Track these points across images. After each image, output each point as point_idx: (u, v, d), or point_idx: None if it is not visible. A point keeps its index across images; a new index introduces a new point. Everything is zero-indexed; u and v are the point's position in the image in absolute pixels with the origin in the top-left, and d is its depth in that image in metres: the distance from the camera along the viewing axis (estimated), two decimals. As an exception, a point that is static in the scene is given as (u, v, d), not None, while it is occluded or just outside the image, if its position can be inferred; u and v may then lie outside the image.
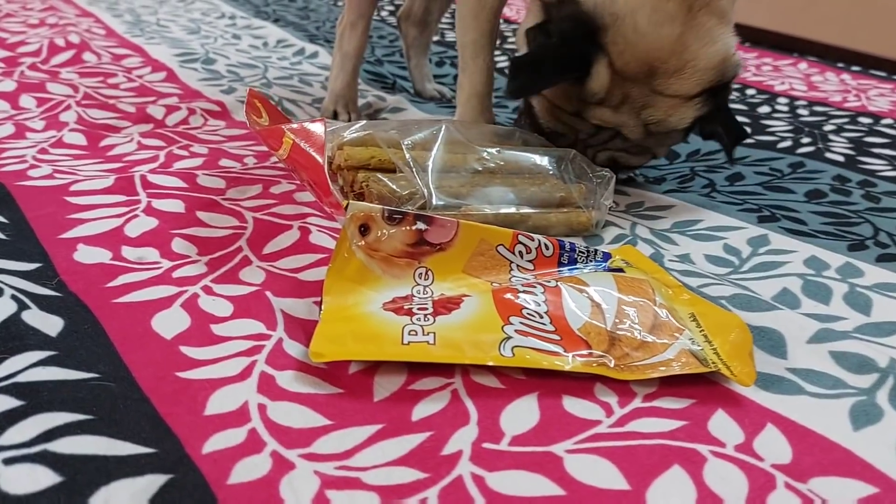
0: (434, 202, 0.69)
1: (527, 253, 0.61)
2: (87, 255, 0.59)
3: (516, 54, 0.80)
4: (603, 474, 0.41)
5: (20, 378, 0.44)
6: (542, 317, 0.53)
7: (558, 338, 0.51)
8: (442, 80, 1.28)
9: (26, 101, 0.95)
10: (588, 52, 0.73)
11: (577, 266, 0.62)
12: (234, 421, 0.43)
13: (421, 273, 0.58)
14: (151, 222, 0.65)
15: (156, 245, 0.62)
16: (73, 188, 0.71)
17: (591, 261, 0.62)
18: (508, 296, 0.54)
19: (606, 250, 0.63)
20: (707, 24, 0.74)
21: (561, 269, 0.61)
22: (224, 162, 0.82)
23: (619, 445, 0.44)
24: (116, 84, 1.06)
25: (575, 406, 0.47)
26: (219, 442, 0.41)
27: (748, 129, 0.87)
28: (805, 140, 1.13)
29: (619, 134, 0.78)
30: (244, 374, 0.47)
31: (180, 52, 1.23)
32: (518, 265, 0.60)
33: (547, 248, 0.61)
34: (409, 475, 0.40)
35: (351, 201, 0.59)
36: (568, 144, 0.81)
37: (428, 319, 0.52)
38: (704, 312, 0.57)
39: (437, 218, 0.59)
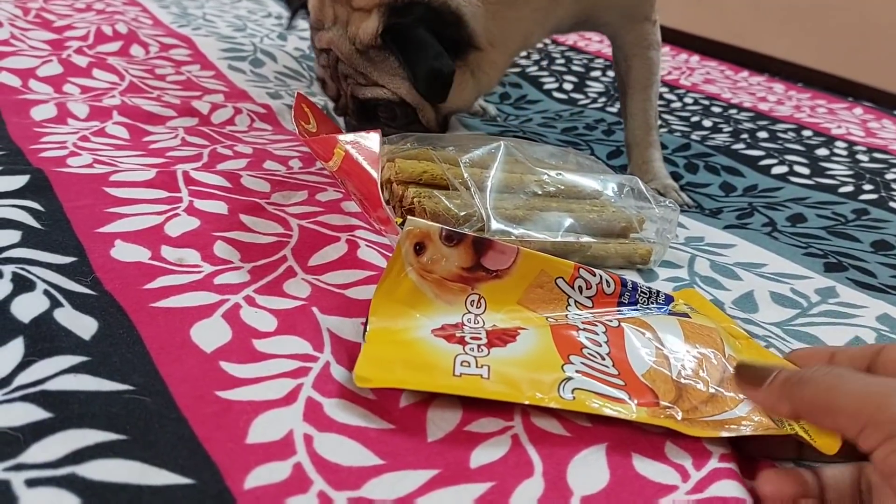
0: (493, 226, 0.65)
1: (587, 288, 0.56)
2: (125, 252, 0.56)
3: None
4: (685, 548, 0.37)
5: (49, 385, 0.40)
6: (604, 358, 0.48)
7: (623, 383, 0.47)
8: (487, 98, 1.25)
9: (70, 87, 0.93)
10: None
11: (638, 307, 0.57)
12: (278, 452, 0.39)
13: (473, 300, 0.53)
14: (193, 222, 0.62)
15: (197, 247, 0.58)
16: (112, 178, 0.67)
17: (652, 302, 0.57)
18: (568, 332, 0.50)
19: (668, 292, 0.59)
20: None
21: (621, 308, 0.57)
22: (269, 164, 0.79)
23: (700, 514, 0.39)
24: (163, 76, 1.03)
25: (647, 467, 0.43)
26: (262, 476, 0.37)
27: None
28: (867, 187, 1.08)
29: (338, 56, 0.81)
30: (289, 399, 0.43)
31: (228, 48, 1.21)
32: (576, 301, 0.56)
33: (608, 284, 0.56)
34: (470, 532, 0.36)
35: (410, 217, 0.55)
36: (335, 94, 0.86)
37: (482, 351, 0.48)
38: None
39: (497, 243, 0.55)
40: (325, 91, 0.88)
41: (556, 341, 0.49)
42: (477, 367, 0.46)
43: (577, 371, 0.46)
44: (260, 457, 0.38)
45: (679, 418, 0.45)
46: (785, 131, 1.31)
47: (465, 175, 0.68)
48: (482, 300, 0.53)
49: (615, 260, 0.69)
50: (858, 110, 1.54)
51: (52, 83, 0.93)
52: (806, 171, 1.12)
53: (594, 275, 0.56)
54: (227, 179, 0.72)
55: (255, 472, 0.37)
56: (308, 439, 0.40)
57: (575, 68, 1.54)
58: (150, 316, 0.49)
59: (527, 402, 0.44)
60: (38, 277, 0.50)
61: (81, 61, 1.01)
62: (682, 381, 0.47)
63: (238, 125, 0.92)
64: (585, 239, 0.68)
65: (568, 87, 1.45)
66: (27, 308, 0.46)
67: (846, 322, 0.65)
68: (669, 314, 0.56)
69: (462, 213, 0.65)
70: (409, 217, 0.56)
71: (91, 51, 1.07)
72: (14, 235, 0.54)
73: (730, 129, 1.29)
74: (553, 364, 0.47)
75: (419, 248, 0.53)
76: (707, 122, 1.32)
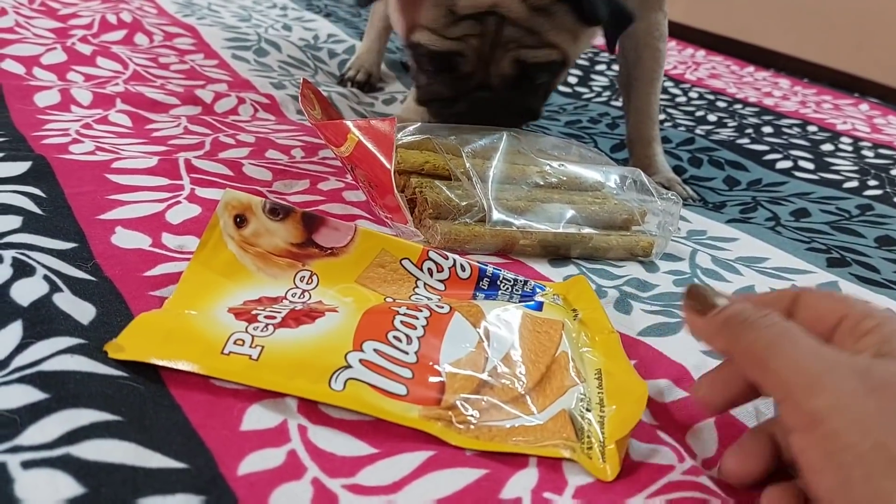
0: (494, 217, 0.65)
1: (438, 271, 0.55)
2: (126, 238, 0.56)
3: None
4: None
5: (46, 366, 0.40)
6: (410, 342, 0.46)
7: (410, 375, 0.44)
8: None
9: (74, 75, 0.93)
10: None
11: (498, 294, 0.56)
12: (272, 440, 0.39)
13: (304, 276, 0.52)
14: (194, 209, 0.62)
15: (198, 234, 0.58)
16: (114, 165, 0.68)
17: (517, 291, 0.56)
18: (383, 315, 0.48)
19: (545, 284, 0.58)
20: None
21: (477, 294, 0.55)
22: (271, 153, 0.79)
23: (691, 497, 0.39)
24: (167, 64, 1.03)
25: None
26: (255, 462, 0.37)
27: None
28: (872, 182, 1.08)
29: (505, 19, 0.73)
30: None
31: (232, 38, 1.21)
32: (426, 283, 0.55)
33: (463, 269, 0.56)
34: (463, 519, 0.36)
35: (227, 189, 0.54)
36: (471, 70, 0.76)
37: (267, 330, 0.45)
38: (612, 371, 0.48)
39: (330, 219, 0.54)
40: (460, 67, 0.77)
41: (362, 325, 0.47)
42: (251, 346, 0.43)
43: (361, 360, 0.44)
44: (254, 444, 0.38)
45: (454, 422, 0.42)
46: (790, 126, 1.31)
47: (468, 165, 0.68)
48: (314, 276, 0.52)
49: (617, 252, 0.69)
50: (864, 106, 1.53)
51: (55, 71, 0.93)
52: (811, 166, 1.12)
53: (447, 259, 0.56)
54: (229, 168, 0.72)
55: (249, 459, 0.37)
56: (302, 429, 0.40)
57: (580, 62, 1.53)
58: (148, 304, 0.49)
59: (288, 392, 0.42)
60: (38, 263, 0.50)
61: (85, 49, 1.01)
62: (496, 378, 0.45)
63: (241, 114, 0.92)
64: (587, 230, 0.68)
65: (572, 80, 1.45)
66: (26, 292, 0.46)
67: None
68: (529, 304, 0.54)
69: (464, 203, 0.65)
70: (227, 190, 0.54)
71: (95, 39, 1.07)
72: (15, 221, 0.54)
73: (734, 123, 1.29)
74: (339, 350, 0.44)
75: (240, 221, 0.53)
76: (712, 117, 1.31)
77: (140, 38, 1.11)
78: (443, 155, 0.69)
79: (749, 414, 0.47)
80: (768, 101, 1.45)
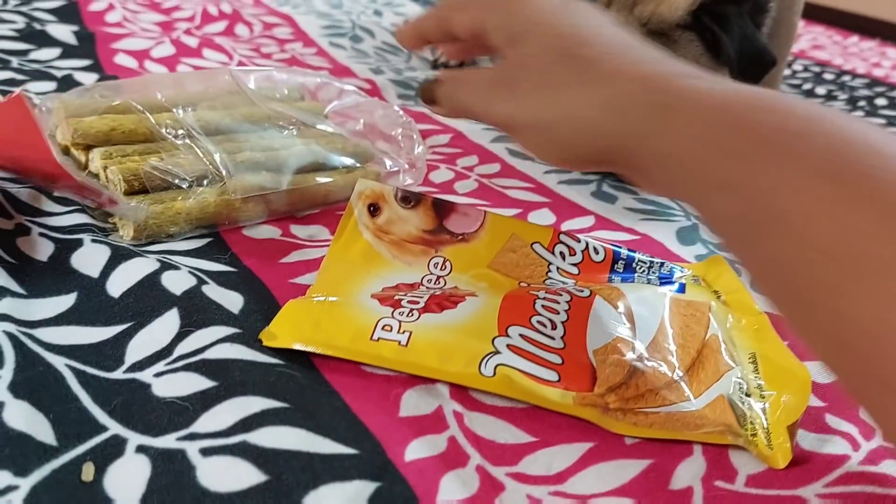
0: (234, 178, 0.55)
1: (570, 255, 0.53)
2: (258, 231, 0.56)
3: None
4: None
5: (209, 354, 0.41)
6: (555, 327, 0.45)
7: (559, 361, 0.43)
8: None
9: (183, 67, 0.95)
10: None
11: (635, 277, 0.53)
12: (431, 426, 0.39)
13: (437, 263, 0.51)
14: (317, 198, 0.62)
15: (324, 223, 0.59)
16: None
17: (654, 273, 0.54)
18: (524, 300, 0.47)
19: (685, 267, 0.55)
20: None
21: (613, 277, 0.53)
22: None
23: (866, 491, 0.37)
24: (269, 54, 1.04)
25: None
26: (420, 449, 0.37)
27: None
28: None
29: None
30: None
31: (327, 25, 1.21)
32: (559, 267, 0.53)
33: (597, 252, 0.53)
34: (638, 510, 0.35)
35: (361, 179, 0.53)
36: None
37: (412, 315, 0.45)
38: (768, 355, 0.46)
39: (459, 205, 0.53)
40: None
41: (504, 309, 0.46)
42: (399, 332, 0.43)
43: (508, 345, 0.43)
44: (415, 430, 0.38)
45: (610, 408, 0.41)
46: (905, 98, 1.24)
47: (181, 115, 0.58)
48: (447, 262, 0.52)
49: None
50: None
51: (166, 63, 0.95)
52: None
53: (578, 241, 0.54)
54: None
55: (413, 445, 0.37)
56: (458, 416, 0.40)
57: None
58: (290, 292, 0.49)
59: (439, 378, 0.42)
60: (181, 263, 0.50)
61: (192, 42, 1.03)
62: (642, 363, 0.43)
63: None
64: (322, 178, 0.60)
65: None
66: (177, 282, 0.47)
67: None
68: (670, 285, 0.52)
69: (176, 168, 0.54)
70: (360, 179, 0.53)
71: (199, 31, 1.09)
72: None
73: (845, 96, 1.23)
74: (486, 335, 0.44)
75: (374, 210, 0.53)
76: (820, 90, 1.25)
77: (241, 29, 1.13)
78: (140, 113, 0.57)
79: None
80: (878, 72, 1.38)
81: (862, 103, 1.19)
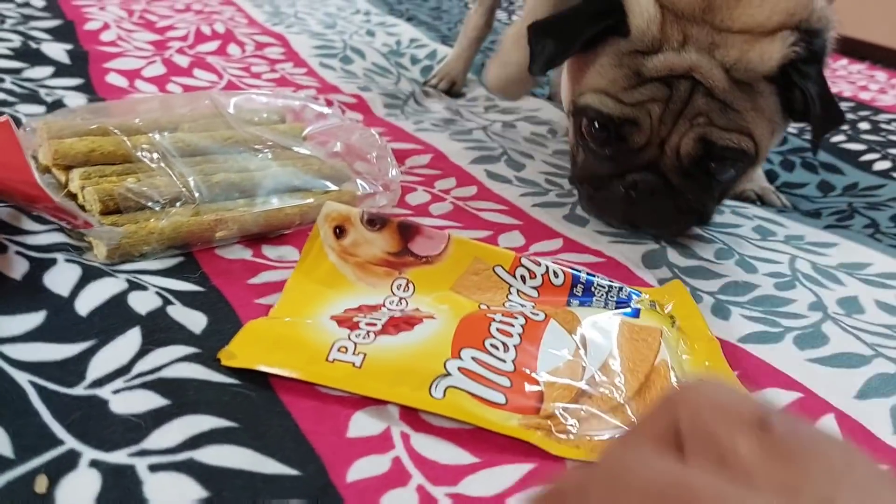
0: (207, 201, 0.57)
1: (530, 278, 0.55)
2: (229, 250, 0.58)
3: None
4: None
5: (166, 372, 0.43)
6: (507, 350, 0.46)
7: (508, 384, 0.44)
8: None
9: (172, 86, 0.97)
10: None
11: (593, 301, 0.55)
12: (377, 447, 0.40)
13: (401, 284, 0.53)
14: (291, 219, 0.64)
15: (294, 244, 0.60)
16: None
17: (612, 297, 0.55)
18: (479, 323, 0.48)
19: (640, 290, 0.57)
20: None
21: (571, 301, 0.55)
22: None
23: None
24: (259, 73, 1.06)
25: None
26: (363, 469, 0.38)
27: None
28: (981, 182, 1.02)
29: (697, 85, 0.61)
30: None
31: (319, 45, 1.24)
32: (519, 290, 0.55)
33: (556, 275, 0.55)
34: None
35: (328, 201, 0.55)
36: (643, 143, 0.64)
37: (368, 337, 0.46)
38: None
39: (425, 228, 0.55)
40: (631, 137, 0.65)
41: (459, 332, 0.47)
42: (353, 354, 0.45)
43: (460, 368, 0.44)
44: (360, 450, 0.40)
45: (553, 431, 0.42)
46: (888, 122, 1.25)
47: (162, 142, 0.59)
48: (410, 284, 0.53)
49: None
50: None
51: (156, 83, 0.97)
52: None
53: (539, 265, 0.55)
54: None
55: (357, 465, 0.39)
56: (405, 437, 0.41)
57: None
58: (255, 312, 0.51)
59: (389, 400, 0.43)
60: (149, 283, 0.52)
61: (183, 61, 1.05)
62: (591, 387, 0.45)
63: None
64: (292, 202, 0.61)
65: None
66: (143, 302, 0.49)
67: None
68: (626, 310, 0.53)
69: (150, 190, 0.55)
70: (327, 201, 0.55)
71: (191, 50, 1.11)
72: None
73: (829, 120, 1.24)
74: (438, 357, 0.45)
75: (339, 232, 0.54)
76: (804, 114, 1.27)
77: (233, 49, 1.15)
78: (117, 136, 0.59)
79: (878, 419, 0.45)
80: (864, 96, 1.40)
81: (845, 127, 1.21)
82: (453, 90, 1.17)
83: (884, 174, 1.04)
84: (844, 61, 1.63)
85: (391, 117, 0.98)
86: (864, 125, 1.23)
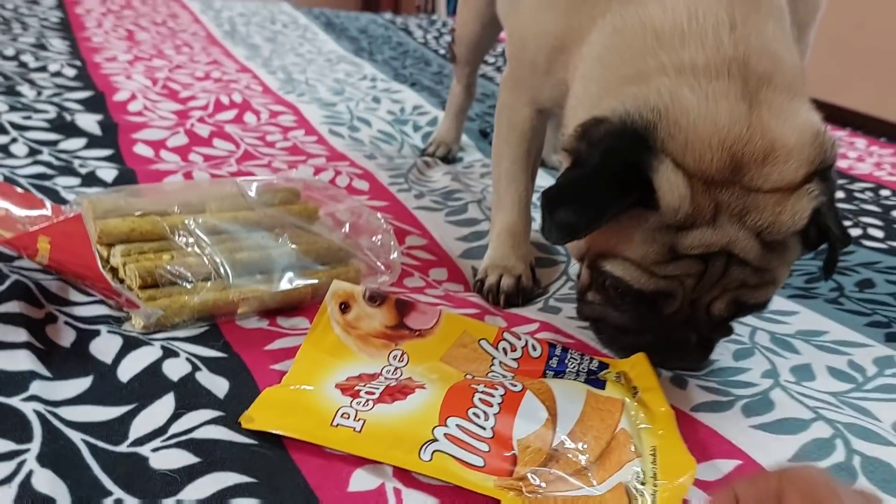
0: (231, 280, 0.65)
1: (511, 350, 0.63)
2: (248, 321, 0.66)
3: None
4: None
5: (197, 434, 0.50)
6: (487, 419, 0.53)
7: (486, 449, 0.51)
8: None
9: (194, 156, 1.06)
10: (641, 159, 0.58)
11: (566, 372, 0.62)
12: (373, 500, 0.48)
13: (396, 355, 0.61)
14: (302, 289, 0.72)
15: (304, 315, 0.68)
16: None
17: (584, 368, 0.63)
18: (464, 393, 0.55)
19: (610, 363, 0.64)
20: (776, 99, 0.60)
21: (548, 371, 0.62)
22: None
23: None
24: (273, 142, 1.16)
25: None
26: (361, 519, 0.46)
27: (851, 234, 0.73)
28: (943, 252, 1.09)
29: (732, 258, 0.60)
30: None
31: (328, 115, 1.33)
32: (501, 361, 0.62)
33: (535, 348, 0.63)
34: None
35: (335, 280, 0.63)
36: (676, 309, 0.63)
37: (367, 405, 0.54)
38: (666, 449, 0.54)
39: (419, 304, 0.63)
40: (664, 308, 0.63)
41: (446, 401, 0.54)
42: (354, 419, 0.52)
43: (446, 434, 0.51)
44: (359, 502, 0.47)
45: (524, 491, 0.49)
46: (862, 191, 1.33)
47: (191, 224, 0.67)
48: (405, 355, 0.61)
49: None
50: (945, 168, 1.53)
51: (179, 152, 1.06)
52: (880, 234, 1.14)
53: (519, 338, 0.63)
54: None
55: (356, 516, 0.46)
56: (397, 492, 0.49)
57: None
58: (270, 378, 0.58)
59: (386, 462, 0.50)
60: (180, 349, 0.60)
61: (203, 131, 1.14)
62: (558, 452, 0.51)
63: (338, 184, 1.03)
64: (302, 282, 0.69)
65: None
66: (175, 369, 0.57)
67: (899, 396, 0.68)
68: (593, 381, 0.60)
69: (184, 270, 0.64)
70: (335, 280, 0.63)
71: (211, 119, 1.21)
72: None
73: (805, 188, 1.32)
74: (427, 424, 0.52)
75: (344, 307, 0.63)
76: (782, 182, 1.35)
77: (249, 117, 1.25)
78: (153, 218, 0.67)
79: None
80: (842, 164, 1.48)
81: (819, 196, 1.29)
82: (449, 156, 1.26)
83: (854, 241, 1.11)
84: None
85: (394, 186, 1.07)
86: (838, 194, 1.31)
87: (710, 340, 0.67)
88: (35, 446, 0.47)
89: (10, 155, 0.94)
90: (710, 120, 0.58)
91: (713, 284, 0.61)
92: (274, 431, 0.51)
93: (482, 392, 0.56)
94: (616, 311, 0.65)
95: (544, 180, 1.09)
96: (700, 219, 0.59)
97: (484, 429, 0.53)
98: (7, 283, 0.61)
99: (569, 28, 0.70)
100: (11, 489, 0.43)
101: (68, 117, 1.08)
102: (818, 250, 0.67)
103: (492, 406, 0.55)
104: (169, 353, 0.59)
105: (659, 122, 0.58)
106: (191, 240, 0.67)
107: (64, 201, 0.81)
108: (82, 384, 0.54)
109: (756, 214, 0.59)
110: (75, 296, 0.64)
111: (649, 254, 0.60)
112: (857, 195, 1.31)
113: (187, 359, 0.58)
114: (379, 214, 0.80)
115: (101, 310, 0.63)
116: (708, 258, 0.60)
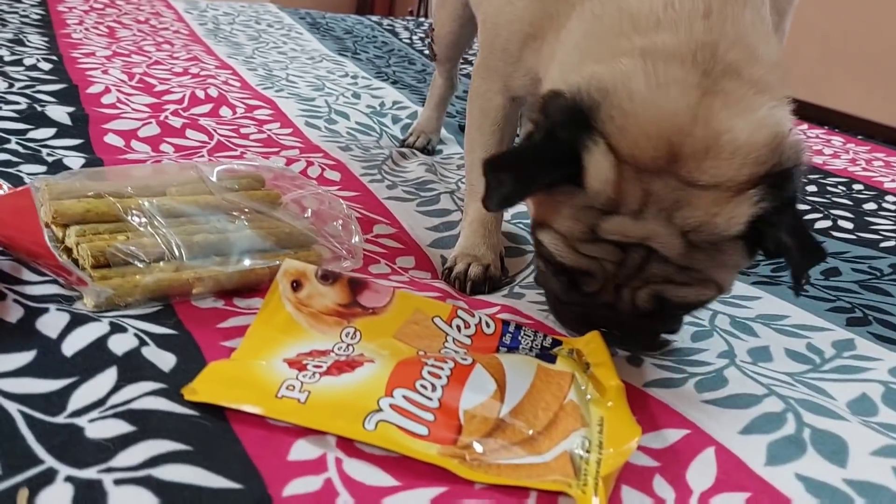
0: (186, 260, 0.65)
1: (465, 328, 0.63)
2: (204, 301, 0.66)
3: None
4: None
5: (134, 405, 0.50)
6: (434, 390, 0.53)
7: (431, 418, 0.51)
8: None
9: (165, 146, 1.06)
10: (578, 137, 0.57)
11: (520, 348, 0.63)
12: (313, 469, 0.47)
13: (349, 332, 0.61)
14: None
15: (261, 296, 0.68)
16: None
17: (537, 345, 0.63)
18: (413, 367, 0.55)
19: (563, 339, 0.64)
20: (738, 92, 0.58)
21: (501, 348, 0.63)
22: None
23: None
24: (247, 134, 1.16)
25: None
26: (298, 487, 0.46)
27: (825, 248, 0.67)
28: (911, 242, 1.10)
29: (653, 252, 0.59)
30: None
31: (306, 108, 1.33)
32: (455, 338, 0.62)
33: (488, 325, 0.64)
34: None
35: (287, 259, 0.63)
36: (597, 289, 0.62)
37: (314, 377, 0.54)
38: (613, 420, 0.54)
39: (372, 283, 0.63)
40: (584, 286, 0.63)
41: (394, 374, 0.55)
42: (299, 391, 0.52)
43: (391, 404, 0.52)
44: (297, 471, 0.47)
45: (467, 459, 0.49)
46: (835, 185, 1.34)
47: (147, 205, 0.67)
48: (357, 332, 0.61)
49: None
50: (919, 163, 1.54)
51: (150, 143, 1.06)
52: (850, 225, 1.15)
53: (473, 316, 0.64)
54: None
55: (293, 484, 0.46)
56: (338, 462, 0.48)
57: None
58: (220, 354, 0.58)
59: (330, 431, 0.50)
60: (129, 325, 0.60)
61: (176, 123, 1.14)
62: (505, 422, 0.52)
63: (311, 175, 1.03)
64: (260, 262, 0.69)
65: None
66: (121, 344, 0.56)
67: (856, 377, 0.68)
68: (545, 356, 0.61)
69: (137, 249, 0.64)
70: (286, 259, 0.63)
71: (185, 112, 1.21)
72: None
73: (780, 182, 1.32)
74: (372, 395, 0.52)
75: (296, 286, 0.63)
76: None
77: (224, 111, 1.25)
78: (108, 199, 0.67)
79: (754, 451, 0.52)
80: (818, 160, 1.49)
81: (793, 189, 1.29)
82: (428, 147, 1.26)
83: (823, 232, 1.12)
84: (805, 125, 1.72)
85: (366, 177, 1.07)
86: (811, 188, 1.32)
87: (653, 328, 0.66)
88: (-31, 416, 0.47)
89: (-23, 143, 0.94)
90: (654, 105, 0.57)
91: (633, 275, 0.60)
92: (217, 403, 0.51)
93: (431, 365, 0.56)
94: (552, 280, 0.66)
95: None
96: (624, 206, 0.58)
97: (431, 399, 0.53)
98: (-43, 260, 0.61)
99: (544, 14, 0.71)
100: (-59, 457, 0.43)
101: (39, 108, 1.08)
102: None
103: (440, 378, 0.55)
104: (117, 328, 0.58)
105: (603, 103, 0.57)
106: (145, 220, 0.66)
107: (25, 186, 0.81)
108: (24, 357, 0.53)
109: (687, 211, 0.57)
110: (28, 276, 0.64)
111: (573, 230, 0.60)
112: (830, 189, 1.32)
113: (135, 334, 0.58)
114: (342, 201, 0.80)
115: (52, 289, 0.63)
116: (626, 247, 0.59)
